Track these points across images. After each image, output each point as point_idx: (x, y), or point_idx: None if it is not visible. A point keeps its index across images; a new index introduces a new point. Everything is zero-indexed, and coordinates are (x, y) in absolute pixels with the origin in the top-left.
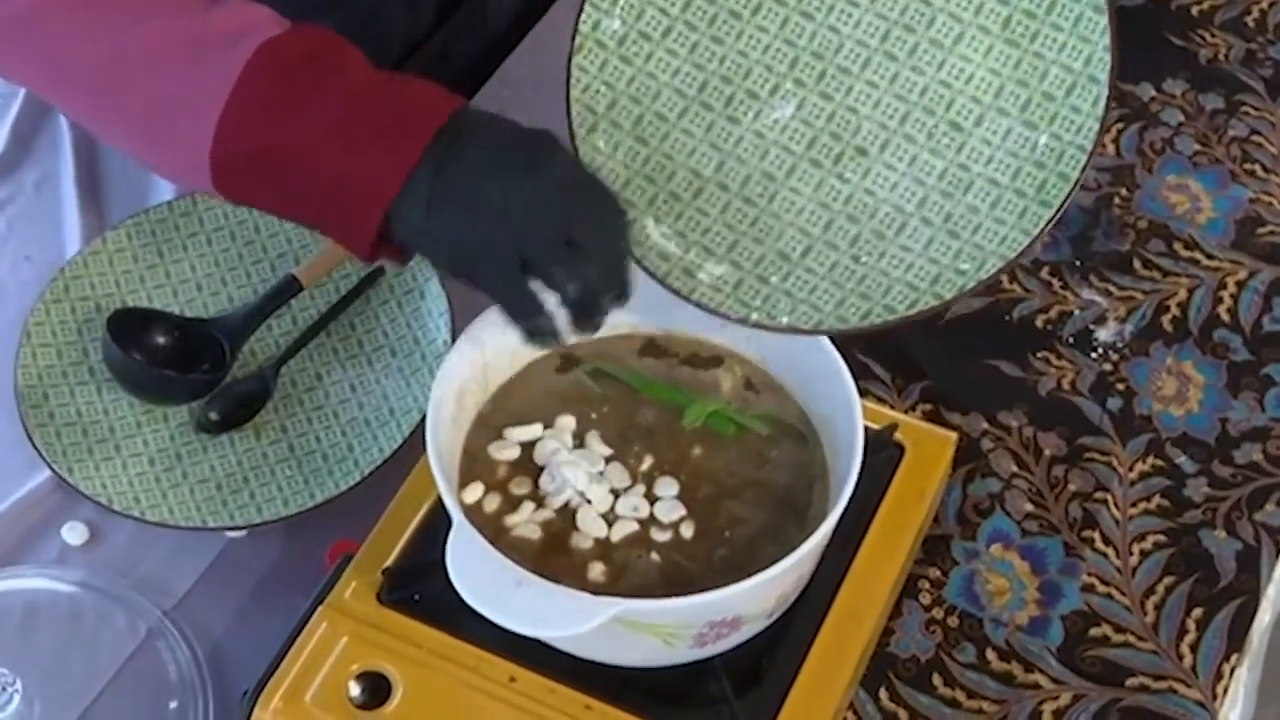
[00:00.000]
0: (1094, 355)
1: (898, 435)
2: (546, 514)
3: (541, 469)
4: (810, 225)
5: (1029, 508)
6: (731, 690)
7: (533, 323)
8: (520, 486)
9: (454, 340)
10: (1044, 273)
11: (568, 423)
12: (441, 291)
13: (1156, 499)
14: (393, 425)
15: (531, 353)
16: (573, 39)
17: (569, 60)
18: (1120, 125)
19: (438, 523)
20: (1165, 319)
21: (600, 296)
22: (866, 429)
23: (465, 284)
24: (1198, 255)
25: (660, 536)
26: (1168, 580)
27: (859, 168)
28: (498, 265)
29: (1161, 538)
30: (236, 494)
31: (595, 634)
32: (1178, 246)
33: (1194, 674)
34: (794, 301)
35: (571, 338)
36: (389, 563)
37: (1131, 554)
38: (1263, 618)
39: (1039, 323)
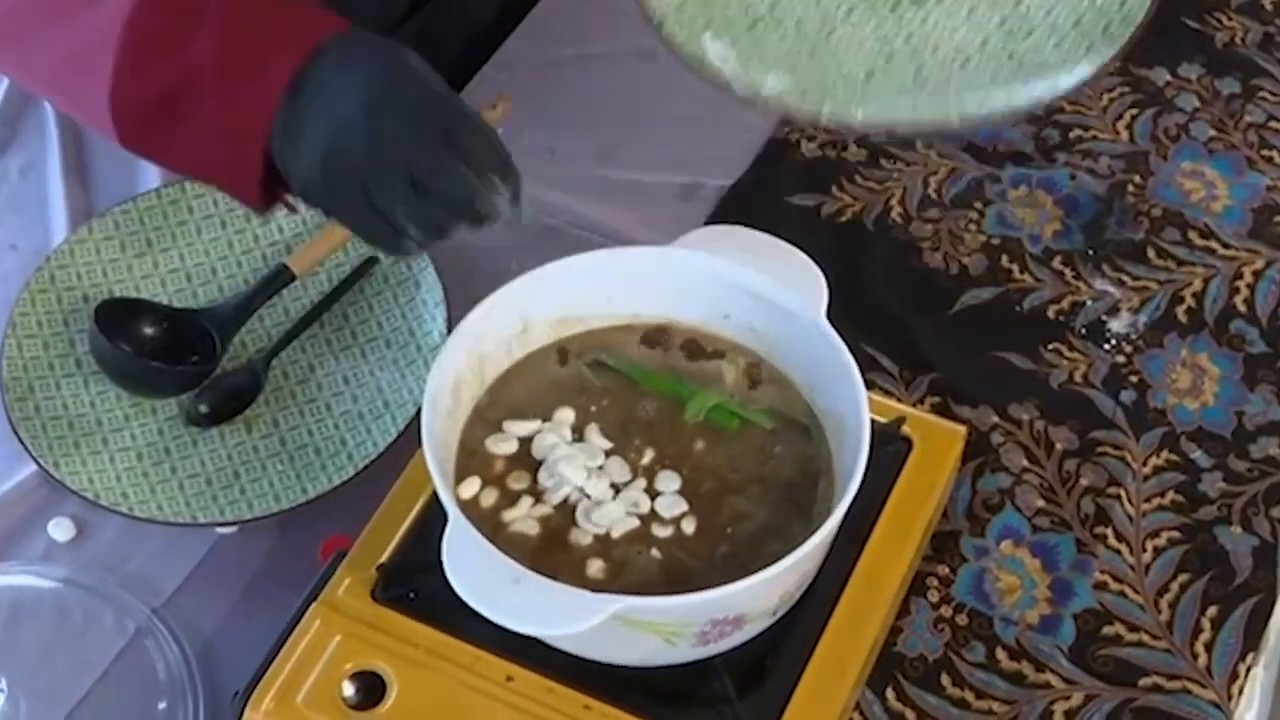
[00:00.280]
0: (1107, 347)
1: (905, 429)
2: (545, 509)
3: (540, 463)
4: (871, 57)
5: (1040, 503)
6: (734, 690)
7: (392, 249)
8: (518, 481)
9: (450, 331)
10: (1056, 262)
11: (566, 416)
12: (437, 281)
13: (1171, 494)
14: (387, 418)
15: (530, 344)
16: None
17: None
18: (1134, 110)
19: (433, 518)
20: (1180, 309)
21: (449, 229)
22: (873, 422)
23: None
24: (1213, 244)
25: (661, 532)
26: (1182, 578)
27: (916, 15)
28: (344, 199)
29: (1176, 534)
30: (227, 489)
31: (594, 632)
32: (1193, 235)
33: (1209, 674)
34: (863, 106)
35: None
36: (383, 559)
37: (1145, 551)
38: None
39: (1050, 313)
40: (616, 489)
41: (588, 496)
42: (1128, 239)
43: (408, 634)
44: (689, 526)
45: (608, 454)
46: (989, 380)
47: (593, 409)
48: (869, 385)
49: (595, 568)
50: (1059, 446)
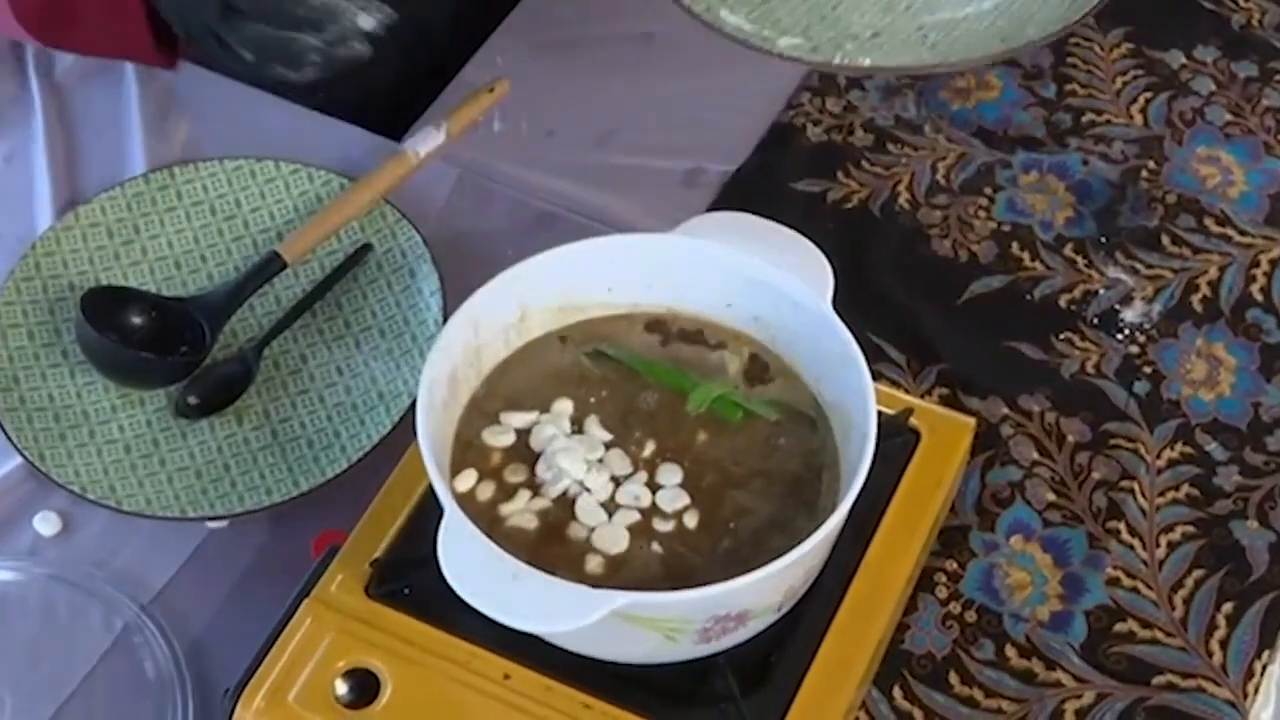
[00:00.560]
0: (1120, 337)
1: (913, 421)
2: (543, 503)
3: (538, 456)
4: (875, 18)
5: (1051, 497)
6: (737, 688)
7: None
8: (516, 474)
9: (445, 320)
10: (1067, 250)
11: (565, 407)
12: (433, 269)
13: (1185, 488)
14: (381, 410)
15: (528, 333)
16: None
17: None
18: (1149, 94)
19: (429, 512)
20: (1195, 298)
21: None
22: (880, 414)
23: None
24: (1229, 231)
25: (663, 527)
26: (1197, 573)
27: None
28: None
29: (1190, 529)
30: (217, 482)
31: (594, 629)
32: (1208, 222)
33: (1224, 672)
34: (870, 56)
35: None
36: (378, 554)
37: (1159, 546)
38: None
39: (1062, 302)
40: (617, 482)
41: (587, 490)
42: (1141, 226)
43: (402, 631)
44: (691, 521)
45: (607, 446)
46: (999, 371)
47: (592, 400)
48: (875, 376)
49: (595, 563)
50: (1070, 439)
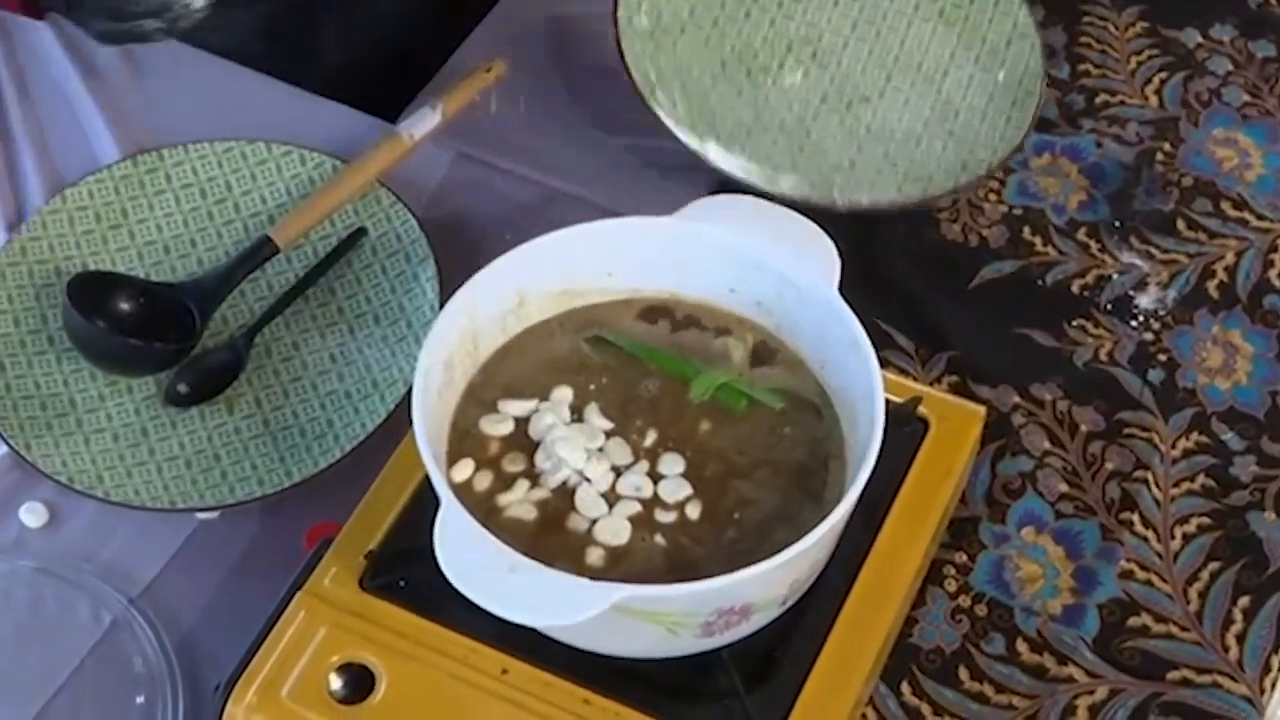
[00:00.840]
0: (1134, 323)
1: (921, 409)
2: (542, 493)
3: (537, 445)
4: (846, 148)
5: (1063, 488)
6: (741, 683)
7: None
8: (514, 464)
9: (442, 306)
10: (1080, 234)
11: (565, 395)
12: (429, 254)
13: (1201, 478)
14: (376, 398)
15: (526, 319)
16: (615, 29)
17: (618, 43)
18: (1164, 74)
19: (424, 503)
20: (1211, 284)
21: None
22: (888, 403)
23: None
24: (1246, 215)
25: (665, 518)
26: (1212, 566)
27: (868, 108)
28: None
29: (1206, 520)
30: (207, 472)
31: (594, 623)
32: (1225, 206)
33: (1240, 667)
34: (864, 191)
35: None
36: (372, 546)
37: (1173, 538)
38: None
39: (1075, 288)
40: (617, 472)
41: (587, 480)
42: (1156, 210)
43: (397, 625)
44: (694, 511)
45: (608, 435)
46: (1010, 358)
47: (592, 388)
48: (883, 363)
49: (595, 555)
50: (1083, 428)
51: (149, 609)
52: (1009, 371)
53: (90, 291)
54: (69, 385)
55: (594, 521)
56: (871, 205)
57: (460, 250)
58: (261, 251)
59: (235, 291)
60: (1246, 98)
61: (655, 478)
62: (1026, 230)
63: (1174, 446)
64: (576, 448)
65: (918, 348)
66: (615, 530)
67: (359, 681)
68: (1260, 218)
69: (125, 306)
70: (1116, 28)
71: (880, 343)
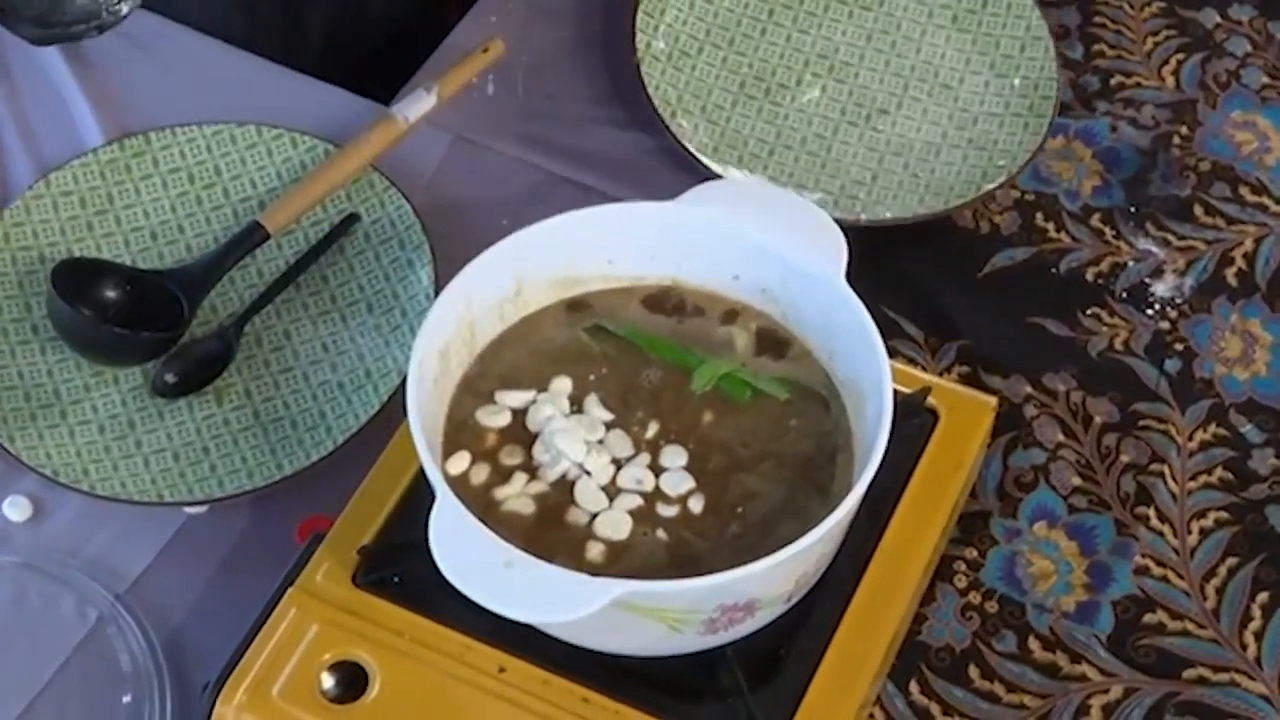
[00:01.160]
0: (1150, 312)
1: (931, 400)
2: (540, 487)
3: (535, 437)
4: (868, 162)
5: (1077, 481)
6: (745, 682)
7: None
8: (511, 456)
9: (437, 293)
10: (1095, 220)
11: (564, 385)
12: (424, 240)
13: (1218, 471)
14: (369, 389)
15: (524, 308)
16: (634, 51)
17: (637, 65)
18: (1181, 55)
19: (419, 497)
20: (1229, 271)
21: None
22: (896, 393)
23: None
24: (1266, 200)
25: (666, 511)
26: (1230, 561)
27: (886, 120)
28: None
29: (1223, 514)
30: (196, 465)
31: (594, 619)
32: (1244, 191)
33: (1258, 665)
34: (886, 205)
35: None
36: (365, 541)
37: (1190, 532)
38: None
39: (1089, 276)
40: (618, 464)
41: (587, 473)
42: (1173, 195)
43: (392, 622)
44: (696, 505)
45: (608, 427)
46: (1022, 348)
47: (592, 378)
48: (892, 353)
49: (595, 550)
50: (1098, 420)
51: (136, 605)
52: (1021, 361)
53: (75, 279)
54: (53, 375)
55: (594, 515)
56: (895, 221)
57: (456, 236)
58: (251, 238)
59: (224, 279)
60: (1266, 79)
61: (657, 470)
62: (1039, 216)
63: (1191, 439)
64: (576, 440)
65: (927, 337)
66: (616, 524)
67: (352, 680)
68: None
69: (111, 294)
70: (1132, 7)
71: (889, 331)
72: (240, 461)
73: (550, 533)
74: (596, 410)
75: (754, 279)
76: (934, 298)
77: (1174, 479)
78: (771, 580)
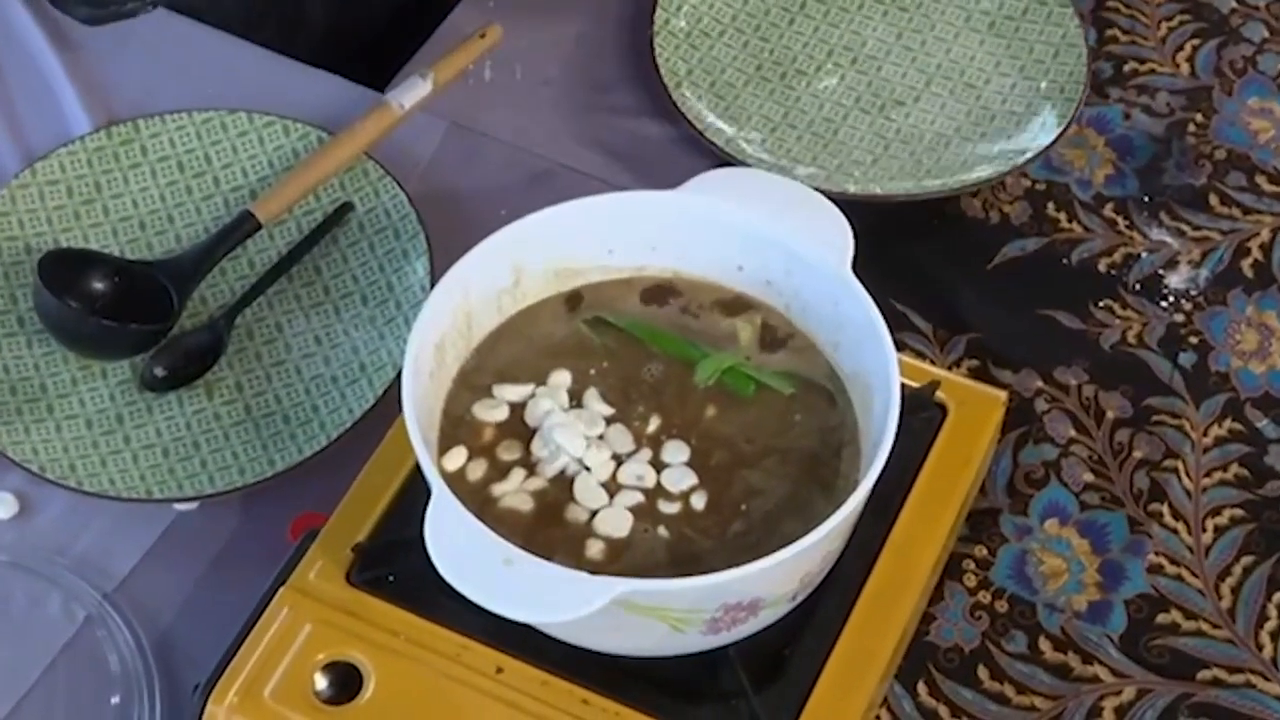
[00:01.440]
0: (1164, 304)
1: (939, 394)
2: (539, 483)
3: (533, 432)
4: (873, 147)
5: (1089, 478)
6: (749, 683)
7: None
8: (509, 452)
9: (433, 285)
10: (1107, 210)
11: (563, 379)
12: (420, 229)
13: (1234, 468)
14: (363, 382)
15: (523, 299)
16: (651, 26)
17: (650, 37)
18: (1196, 41)
19: (415, 493)
20: (1245, 263)
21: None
22: (904, 387)
23: None
24: None
25: (668, 508)
26: (1246, 560)
27: (901, 112)
28: None
29: (1239, 512)
30: (186, 461)
31: (594, 619)
32: (1260, 180)
33: (1274, 666)
34: (881, 185)
35: None
36: (360, 539)
37: (1205, 530)
38: None
39: (1101, 267)
40: (618, 460)
41: (586, 469)
42: (1187, 184)
43: (386, 621)
44: (699, 502)
45: (609, 421)
46: (1033, 341)
47: (592, 372)
48: (899, 346)
49: (595, 547)
50: (1110, 415)
51: (124, 605)
52: (1032, 355)
53: (62, 270)
54: (40, 369)
55: (594, 512)
56: (886, 197)
57: (453, 226)
58: (243, 228)
59: (215, 270)
60: None
61: (658, 466)
62: (1050, 206)
63: (1205, 434)
64: (575, 435)
65: (936, 329)
66: (616, 522)
67: (346, 681)
68: None
69: (99, 286)
70: None
71: (896, 324)
72: (231, 457)
73: (549, 530)
74: (597, 404)
75: (758, 270)
76: (943, 289)
77: (1188, 475)
78: (775, 579)
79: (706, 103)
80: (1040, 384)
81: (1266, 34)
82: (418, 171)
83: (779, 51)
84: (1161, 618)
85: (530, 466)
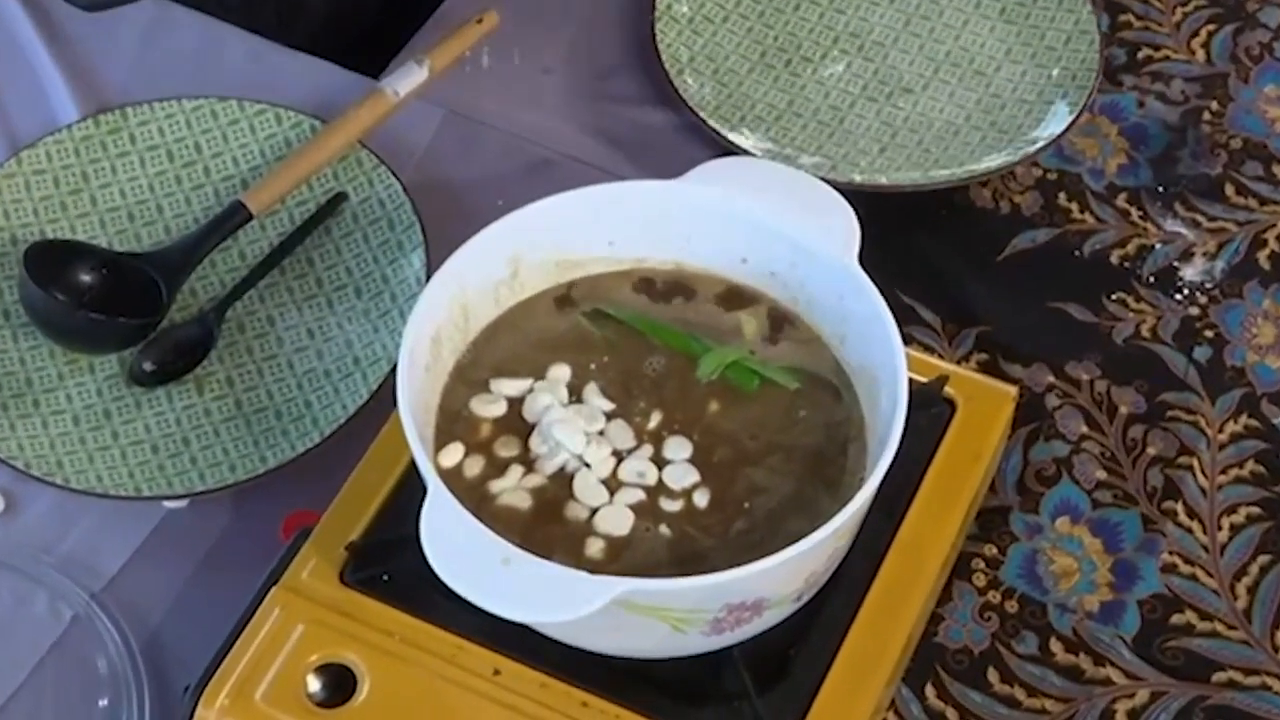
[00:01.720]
0: (1178, 297)
1: (948, 390)
2: (537, 480)
3: (532, 427)
4: (879, 136)
5: (1101, 475)
6: (752, 685)
7: None
8: (507, 448)
9: (429, 277)
10: (1120, 200)
11: (562, 373)
12: (415, 220)
13: (1250, 465)
14: (357, 377)
15: (520, 292)
16: (652, 10)
17: (652, 23)
18: (1211, 27)
19: (410, 491)
20: (1262, 254)
21: None
22: (911, 382)
23: None
24: None
25: (670, 506)
26: (1262, 559)
27: (909, 100)
28: None
29: (1255, 510)
30: (175, 458)
31: (594, 619)
32: (1277, 169)
33: None
34: (887, 175)
35: None
36: (353, 537)
37: (1220, 529)
38: None
39: (1114, 259)
40: (619, 456)
41: (586, 465)
42: (1203, 174)
43: (381, 621)
44: (701, 499)
45: (609, 417)
46: (1044, 335)
47: (592, 366)
48: (907, 340)
49: (595, 546)
50: (1123, 410)
51: (113, 605)
52: (1043, 349)
53: (49, 262)
54: (26, 363)
55: (594, 510)
56: (894, 187)
57: (449, 217)
58: (234, 218)
59: (205, 262)
60: None
61: (660, 463)
62: (1062, 196)
63: (1221, 430)
64: (575, 431)
65: (944, 323)
66: (617, 520)
67: (339, 683)
68: None
69: (86, 278)
70: None
71: (904, 317)
72: (222, 454)
73: (548, 528)
74: (597, 400)
75: (762, 261)
76: (951, 282)
77: (1203, 472)
78: (780, 578)
79: (709, 90)
80: (1051, 379)
81: None
82: (413, 161)
83: (784, 38)
84: (1176, 618)
85: (529, 463)
